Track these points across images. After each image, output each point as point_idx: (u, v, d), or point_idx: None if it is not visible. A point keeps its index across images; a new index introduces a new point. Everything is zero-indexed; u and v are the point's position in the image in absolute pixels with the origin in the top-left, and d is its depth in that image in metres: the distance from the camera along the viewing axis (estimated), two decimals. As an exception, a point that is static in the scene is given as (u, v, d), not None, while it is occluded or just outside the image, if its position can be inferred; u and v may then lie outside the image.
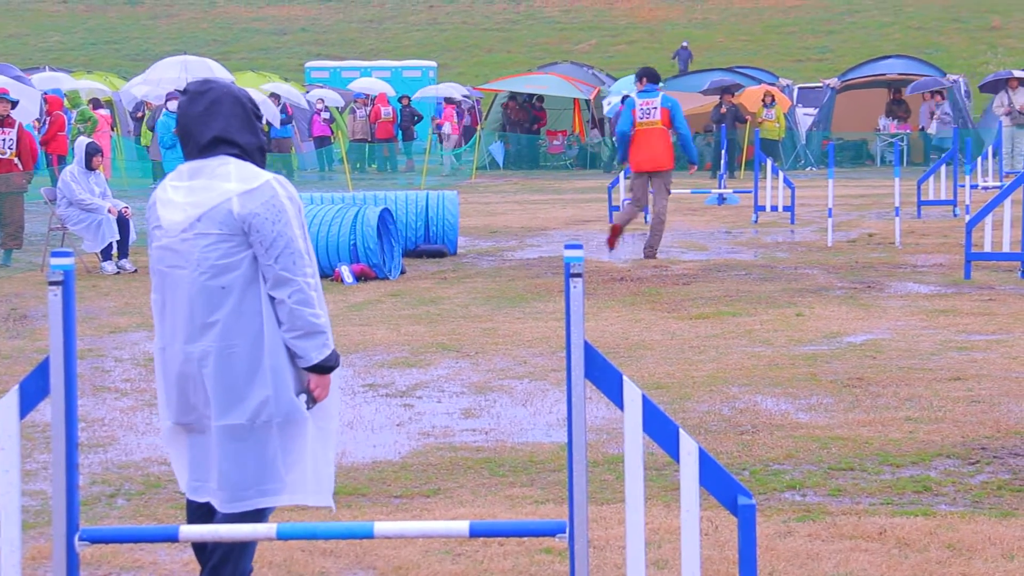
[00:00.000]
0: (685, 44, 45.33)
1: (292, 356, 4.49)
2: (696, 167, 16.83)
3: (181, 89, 4.73)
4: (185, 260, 4.47)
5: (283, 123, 32.85)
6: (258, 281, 4.45)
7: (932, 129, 32.46)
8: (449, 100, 35.10)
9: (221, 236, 4.43)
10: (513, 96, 35.92)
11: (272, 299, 4.45)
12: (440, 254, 15.71)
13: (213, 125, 4.52)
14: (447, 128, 33.62)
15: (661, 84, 15.23)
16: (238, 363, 4.43)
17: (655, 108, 15.26)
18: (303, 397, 4.52)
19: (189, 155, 4.57)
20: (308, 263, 4.49)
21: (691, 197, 23.79)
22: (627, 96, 15.10)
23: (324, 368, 4.51)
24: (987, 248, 13.65)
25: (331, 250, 13.81)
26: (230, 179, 4.48)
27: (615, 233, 15.40)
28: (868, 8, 58.92)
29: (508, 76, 39.55)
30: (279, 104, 33.07)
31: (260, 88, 33.59)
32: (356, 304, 12.22)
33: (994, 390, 8.21)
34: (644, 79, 15.50)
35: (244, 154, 4.54)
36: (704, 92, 32.44)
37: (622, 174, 20.38)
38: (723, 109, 30.57)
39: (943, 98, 32.46)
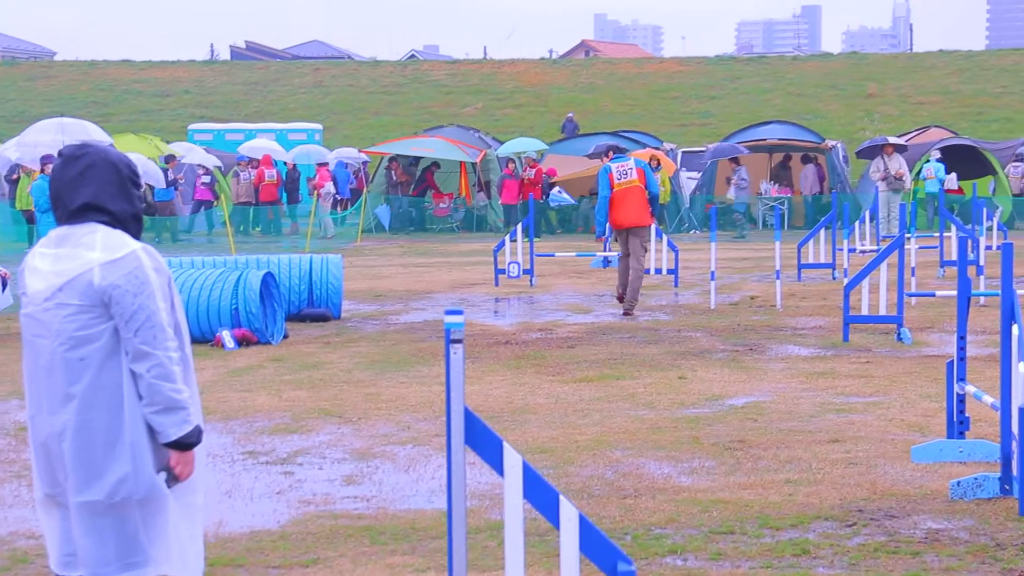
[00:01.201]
0: (571, 116, 45.86)
1: (153, 431, 4.42)
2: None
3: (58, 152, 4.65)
4: (46, 330, 4.39)
5: (169, 184, 32.58)
6: (119, 354, 4.37)
7: (731, 194, 33.29)
8: (321, 164, 35.03)
9: (81, 307, 4.35)
10: (394, 157, 35.95)
11: (133, 373, 4.38)
12: (324, 318, 15.61)
13: (84, 191, 4.44)
14: (329, 187, 33.50)
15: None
16: (96, 438, 4.35)
17: (631, 169, 16.07)
18: (164, 474, 4.43)
19: (59, 221, 4.49)
20: (171, 337, 4.41)
21: (576, 260, 23.99)
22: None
23: (184, 445, 4.42)
24: (864, 311, 13.93)
25: (212, 314, 13.65)
26: (94, 248, 4.39)
27: (622, 299, 16.03)
28: (749, 75, 60.20)
29: (394, 139, 39.65)
30: (177, 164, 32.89)
31: (167, 149, 33.35)
32: (237, 369, 12.08)
33: (871, 452, 8.35)
34: (611, 152, 16.42)
35: (116, 222, 4.46)
36: (589, 156, 32.65)
37: (507, 237, 20.51)
38: (608, 173, 30.86)
39: (738, 164, 33.32)
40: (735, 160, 33.65)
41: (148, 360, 4.33)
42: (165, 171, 32.97)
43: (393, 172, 35.23)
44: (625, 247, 16.14)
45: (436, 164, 36.54)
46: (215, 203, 34.00)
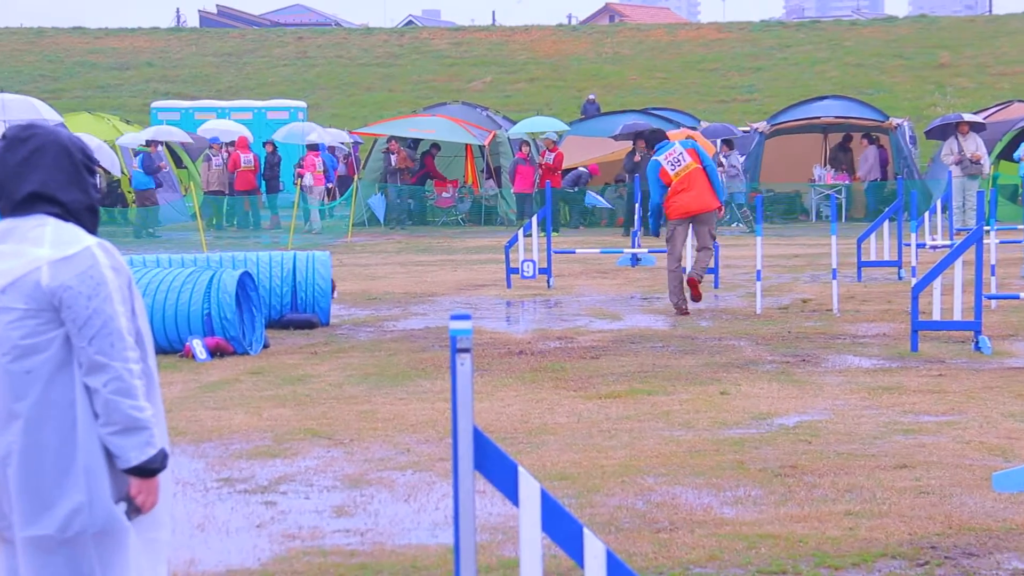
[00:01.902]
0: (592, 97, 45.81)
1: (112, 455, 4.42)
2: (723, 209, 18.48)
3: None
4: None
5: (151, 172, 32.80)
6: (71, 366, 4.37)
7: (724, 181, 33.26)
8: (312, 146, 34.96)
9: (27, 312, 4.34)
10: (393, 139, 35.83)
11: (88, 388, 4.37)
12: (310, 325, 15.64)
13: (31, 179, 4.44)
14: (308, 179, 33.52)
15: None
16: (46, 463, 4.34)
17: (681, 154, 16.65)
18: (123, 504, 4.42)
19: (3, 213, 4.49)
20: (131, 346, 4.40)
21: (601, 258, 24.02)
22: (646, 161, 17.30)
23: (146, 471, 4.41)
24: (936, 316, 13.91)
25: (181, 321, 13.69)
26: (43, 244, 4.39)
27: (694, 285, 16.56)
28: (800, 43, 60.20)
29: (390, 119, 39.71)
30: (157, 151, 33.14)
31: (126, 129, 33.51)
32: (210, 384, 12.12)
33: (945, 479, 8.35)
34: (647, 144, 17.29)
35: (68, 214, 4.46)
36: (615, 137, 32.84)
37: (521, 231, 20.54)
38: (637, 157, 30.89)
39: (730, 148, 33.21)
40: (728, 143, 33.57)
41: (105, 373, 4.32)
42: (147, 156, 33.19)
43: (393, 156, 34.97)
44: (680, 238, 16.56)
45: (436, 147, 36.51)
46: (182, 190, 34.18)
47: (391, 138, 35.52)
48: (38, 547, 4.35)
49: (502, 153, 35.89)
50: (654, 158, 16.69)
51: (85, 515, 4.35)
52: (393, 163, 34.75)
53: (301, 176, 33.46)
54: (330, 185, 35.72)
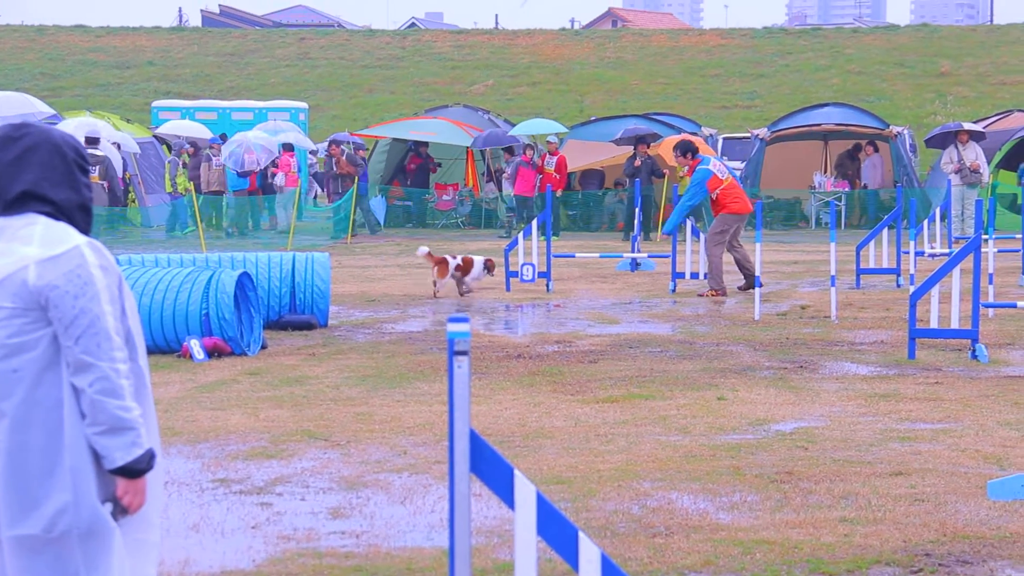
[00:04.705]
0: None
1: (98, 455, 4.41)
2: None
3: None
4: None
5: (243, 173, 32.88)
6: (59, 366, 4.37)
7: (506, 190, 33.49)
8: (288, 147, 34.86)
9: (14, 311, 4.35)
10: (335, 141, 35.45)
11: (74, 388, 4.37)
12: (308, 326, 15.65)
13: (23, 178, 4.45)
14: (280, 179, 33.51)
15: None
16: (32, 462, 4.35)
17: (721, 166, 19.11)
18: (109, 505, 4.42)
19: None
20: (118, 346, 4.39)
21: (600, 262, 24.04)
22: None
23: (133, 471, 4.41)
24: (934, 324, 13.92)
25: (179, 321, 13.69)
26: (31, 243, 4.39)
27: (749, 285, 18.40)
28: (802, 50, 60.28)
29: (390, 120, 39.74)
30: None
31: (127, 128, 33.26)
32: (207, 384, 12.14)
33: (940, 487, 8.36)
34: (689, 154, 19.26)
35: (59, 213, 4.46)
36: (616, 141, 32.82)
37: (521, 235, 20.55)
38: (637, 161, 30.93)
39: (512, 155, 33.30)
40: (509, 151, 33.66)
41: (91, 372, 4.32)
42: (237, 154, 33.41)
43: (334, 161, 34.37)
44: (738, 235, 18.76)
45: (424, 144, 36.18)
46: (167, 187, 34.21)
47: (331, 143, 35.34)
48: (24, 547, 4.36)
49: (503, 156, 35.86)
50: (704, 167, 18.57)
51: (71, 515, 4.35)
52: (334, 168, 34.40)
53: (274, 175, 33.47)
54: (314, 188, 35.71)
